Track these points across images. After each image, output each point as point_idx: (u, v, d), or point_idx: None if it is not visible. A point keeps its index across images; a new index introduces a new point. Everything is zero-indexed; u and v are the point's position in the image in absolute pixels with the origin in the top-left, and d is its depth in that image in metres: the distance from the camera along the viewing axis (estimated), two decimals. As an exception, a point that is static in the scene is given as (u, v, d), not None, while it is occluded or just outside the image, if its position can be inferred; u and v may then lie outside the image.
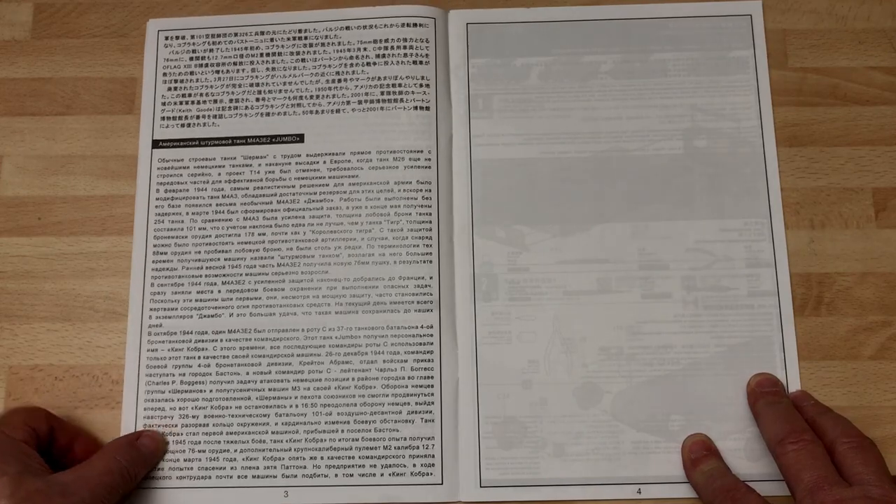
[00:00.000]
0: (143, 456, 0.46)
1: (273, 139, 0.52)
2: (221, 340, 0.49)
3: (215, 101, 0.53)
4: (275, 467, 0.48)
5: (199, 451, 0.48)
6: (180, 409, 0.49)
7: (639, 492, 0.47)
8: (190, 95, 0.53)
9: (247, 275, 0.50)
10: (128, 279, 0.51)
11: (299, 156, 0.52)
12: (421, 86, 0.52)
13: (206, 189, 0.52)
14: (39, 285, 0.51)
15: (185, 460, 0.48)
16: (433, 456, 0.48)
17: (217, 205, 0.51)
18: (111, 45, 0.55)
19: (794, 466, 0.42)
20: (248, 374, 0.49)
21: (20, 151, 0.53)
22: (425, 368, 0.49)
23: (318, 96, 0.53)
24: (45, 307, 0.50)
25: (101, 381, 0.49)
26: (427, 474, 0.47)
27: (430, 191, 0.51)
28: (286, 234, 0.51)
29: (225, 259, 0.51)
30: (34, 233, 0.52)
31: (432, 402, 0.48)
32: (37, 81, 0.54)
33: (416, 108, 0.52)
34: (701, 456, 0.46)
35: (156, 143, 0.53)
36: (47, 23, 0.55)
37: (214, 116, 0.53)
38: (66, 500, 0.39)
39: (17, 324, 0.50)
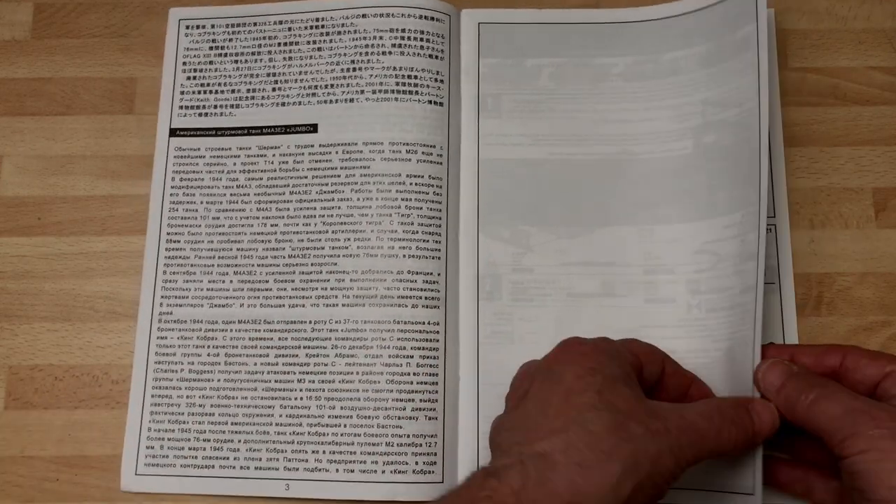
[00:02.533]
0: (750, 426, 0.41)
1: (287, 129, 0.54)
2: (231, 330, 0.51)
3: (233, 91, 0.55)
4: (277, 459, 0.49)
5: (204, 440, 0.50)
6: (188, 397, 0.50)
7: None
8: (208, 85, 0.55)
9: (258, 265, 0.52)
10: (128, 279, 0.52)
11: (312, 146, 0.53)
12: (436, 80, 0.54)
13: (221, 179, 0.53)
14: (39, 285, 0.52)
15: (189, 448, 0.49)
16: (435, 454, 0.49)
17: (231, 195, 0.53)
18: (111, 45, 0.56)
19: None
20: (255, 364, 0.50)
21: (20, 151, 0.55)
22: (431, 365, 0.50)
23: (332, 85, 0.54)
24: (45, 307, 0.52)
25: (101, 381, 0.51)
26: (429, 472, 0.48)
27: (441, 187, 0.52)
28: (297, 224, 0.52)
29: (237, 249, 0.52)
30: (34, 233, 0.53)
31: (436, 400, 0.49)
32: (37, 81, 0.56)
33: (430, 102, 0.53)
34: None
35: (173, 132, 0.54)
36: (47, 23, 0.57)
37: (232, 106, 0.54)
38: (651, 422, 0.38)
39: (17, 324, 0.52)
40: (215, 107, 0.55)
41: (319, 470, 0.49)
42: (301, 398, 0.50)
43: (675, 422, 0.39)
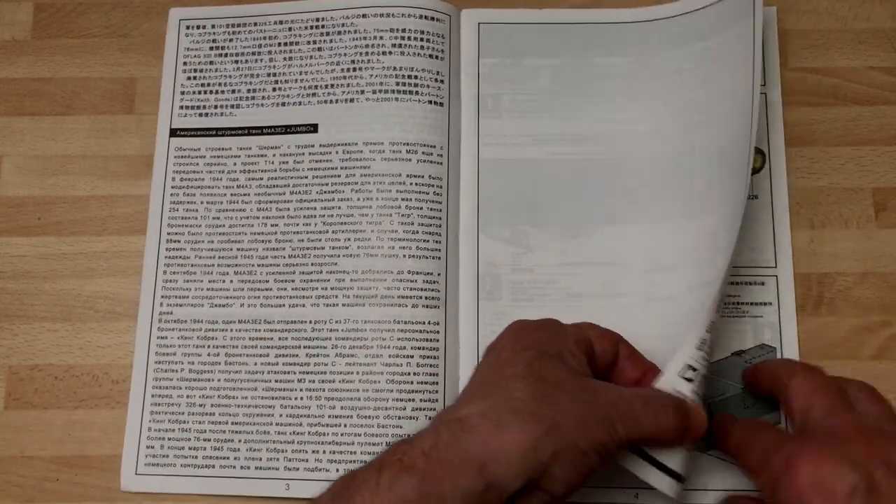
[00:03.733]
0: (686, 420, 0.41)
1: (288, 129, 0.54)
2: (231, 330, 0.51)
3: (233, 92, 0.55)
4: (277, 459, 0.49)
5: (205, 440, 0.50)
6: (188, 397, 0.51)
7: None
8: (209, 85, 0.56)
9: (258, 265, 0.52)
10: (128, 279, 0.53)
11: (313, 146, 0.54)
12: (436, 80, 0.54)
13: (221, 179, 0.54)
14: (39, 285, 0.53)
15: (189, 448, 0.50)
16: None
17: (231, 195, 0.53)
18: (111, 45, 0.57)
19: (807, 394, 0.42)
20: (255, 364, 0.51)
21: (20, 151, 0.55)
22: (431, 365, 0.50)
23: (332, 85, 0.55)
24: (45, 307, 0.52)
25: (101, 381, 0.51)
26: None
27: (441, 187, 0.53)
28: (298, 224, 0.52)
29: (237, 249, 0.52)
30: (34, 233, 0.54)
31: (436, 400, 0.50)
32: (37, 81, 0.56)
33: (430, 102, 0.54)
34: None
35: (173, 132, 0.55)
36: (47, 23, 0.57)
37: (232, 106, 0.55)
38: (580, 394, 0.39)
39: (17, 324, 0.52)
40: (215, 107, 0.55)
41: (319, 470, 0.49)
42: (301, 398, 0.50)
43: (606, 397, 0.40)
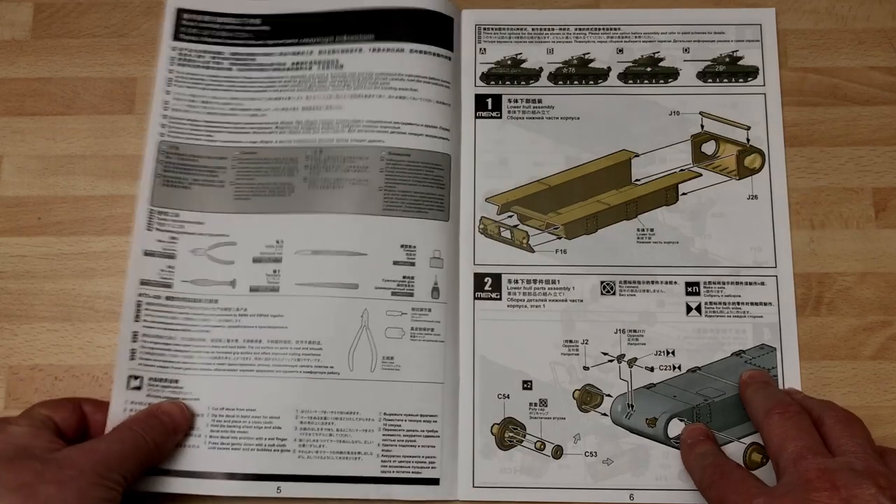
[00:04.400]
0: (164, 424, 0.47)
1: None
2: (227, 332, 0.51)
3: None
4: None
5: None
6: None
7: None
8: None
9: None
10: (127, 279, 0.52)
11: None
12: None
13: None
14: (39, 285, 0.53)
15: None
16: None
17: None
18: (111, 45, 0.57)
19: (780, 436, 0.43)
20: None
21: (20, 151, 0.55)
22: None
23: None
24: (45, 307, 0.52)
25: (101, 381, 0.51)
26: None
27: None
28: None
29: None
30: (34, 233, 0.53)
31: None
32: (37, 81, 0.56)
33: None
34: (697, 441, 0.47)
35: None
36: (47, 23, 0.57)
37: None
38: (61, 474, 0.40)
39: (17, 324, 0.52)
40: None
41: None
42: (301, 398, 0.50)
43: (85, 459, 0.42)
